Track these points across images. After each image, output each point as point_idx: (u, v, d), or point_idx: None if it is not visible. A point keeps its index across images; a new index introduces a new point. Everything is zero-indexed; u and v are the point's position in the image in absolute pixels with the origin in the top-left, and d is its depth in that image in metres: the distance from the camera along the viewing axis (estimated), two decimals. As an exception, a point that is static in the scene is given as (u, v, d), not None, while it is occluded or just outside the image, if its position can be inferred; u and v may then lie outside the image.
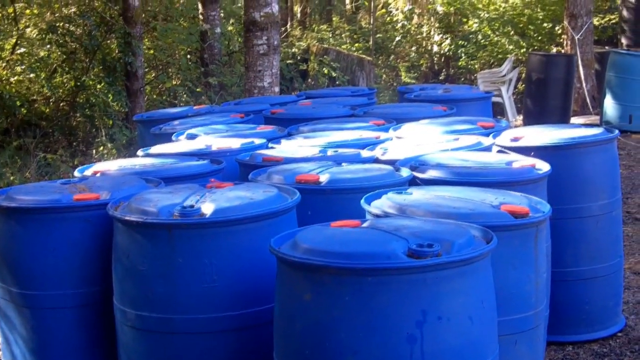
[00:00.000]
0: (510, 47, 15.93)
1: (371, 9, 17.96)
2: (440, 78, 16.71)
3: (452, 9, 17.36)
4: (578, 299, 4.52)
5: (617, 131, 4.80)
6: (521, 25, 16.57)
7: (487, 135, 4.87)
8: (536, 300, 3.28)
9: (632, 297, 5.17)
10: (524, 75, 13.36)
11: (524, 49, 15.70)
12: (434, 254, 2.69)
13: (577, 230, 4.56)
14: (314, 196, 3.63)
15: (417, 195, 3.50)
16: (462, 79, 16.33)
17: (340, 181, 3.72)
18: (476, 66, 16.19)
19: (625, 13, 15.18)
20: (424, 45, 17.69)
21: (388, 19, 18.45)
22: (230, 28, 14.91)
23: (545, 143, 4.55)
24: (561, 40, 14.53)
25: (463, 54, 16.57)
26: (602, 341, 4.59)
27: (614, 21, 16.37)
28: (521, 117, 12.38)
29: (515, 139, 4.67)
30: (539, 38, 16.31)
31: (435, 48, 17.53)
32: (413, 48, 17.54)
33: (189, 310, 3.19)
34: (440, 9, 17.51)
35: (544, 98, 11.76)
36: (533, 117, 11.47)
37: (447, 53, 17.11)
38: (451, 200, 3.38)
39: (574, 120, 11.84)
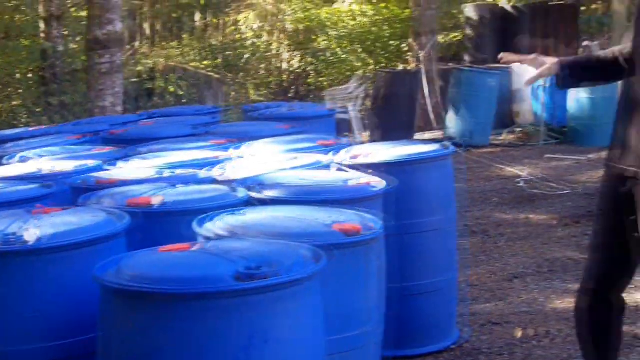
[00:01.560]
0: (358, 64, 16.19)
1: (220, 26, 17.93)
2: (290, 95, 16.82)
3: (301, 26, 17.52)
4: (414, 313, 4.59)
5: (451, 147, 4.91)
6: (369, 43, 16.88)
7: (328, 153, 4.90)
8: (368, 317, 3.30)
9: (467, 309, 5.30)
10: (371, 92, 13.59)
11: (372, 66, 15.98)
12: (262, 276, 2.66)
13: (415, 245, 4.65)
14: (145, 220, 3.54)
15: (251, 215, 3.47)
16: (312, 96, 16.48)
17: (172, 204, 3.65)
18: (325, 83, 16.38)
19: (468, 31, 15.68)
20: (273, 62, 17.78)
21: (238, 36, 18.44)
22: (74, 46, 14.58)
23: (382, 160, 4.62)
24: (407, 57, 14.88)
25: (312, 72, 16.74)
26: (436, 354, 4.67)
27: (458, 39, 16.87)
28: (368, 133, 12.56)
29: (355, 157, 4.72)
30: (386, 55, 16.65)
31: (285, 65, 17.65)
32: (262, 65, 17.61)
33: (12, 342, 3.04)
34: (289, 26, 17.64)
35: (390, 114, 11.98)
36: (379, 133, 11.65)
37: (297, 70, 17.24)
38: (285, 220, 3.37)
39: (419, 135, 12.11)
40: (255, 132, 5.70)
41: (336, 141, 5.39)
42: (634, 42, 3.55)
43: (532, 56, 3.79)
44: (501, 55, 3.85)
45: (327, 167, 4.59)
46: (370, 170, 4.39)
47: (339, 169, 4.55)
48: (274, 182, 4.05)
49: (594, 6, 21.07)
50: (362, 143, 9.91)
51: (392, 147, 4.96)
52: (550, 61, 3.74)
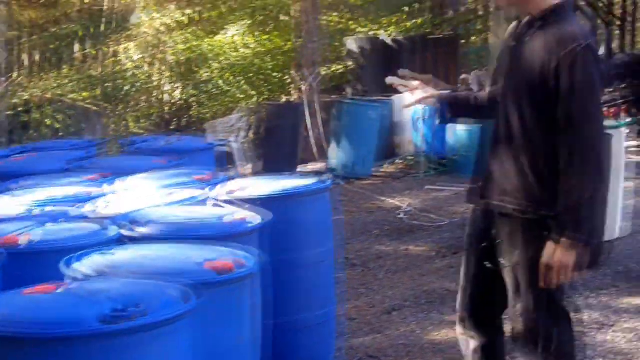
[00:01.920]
0: (241, 96, 16.17)
1: (100, 57, 17.63)
2: (172, 128, 16.63)
3: (183, 58, 17.39)
4: (292, 349, 4.56)
5: (329, 181, 4.93)
6: (251, 75, 16.90)
7: (205, 187, 4.85)
8: (242, 355, 3.26)
9: (346, 342, 5.31)
10: (254, 124, 13.58)
11: (255, 98, 15.99)
12: (128, 317, 2.60)
13: (293, 279, 4.63)
14: (12, 260, 3.43)
15: (121, 254, 3.40)
16: (194, 129, 16.33)
17: (40, 243, 3.55)
18: (208, 115, 16.29)
19: (350, 63, 15.87)
20: (154, 94, 17.57)
21: (118, 67, 18.16)
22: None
23: (259, 195, 4.59)
24: (290, 89, 14.94)
25: (195, 103, 16.64)
26: (315, 390, 4.66)
27: (341, 71, 17.04)
28: (251, 165, 12.55)
29: (232, 191, 4.68)
30: (269, 87, 16.69)
31: (167, 97, 17.47)
32: (143, 97, 17.38)
33: None
34: (170, 57, 17.48)
35: (274, 146, 12.01)
36: (262, 166, 11.67)
37: (179, 102, 17.11)
38: (156, 259, 3.31)
39: (302, 168, 12.14)
40: (131, 167, 5.59)
41: (214, 175, 5.34)
42: (496, 81, 3.66)
43: (417, 83, 3.87)
44: (388, 79, 3.92)
45: (203, 202, 4.54)
46: (247, 205, 4.36)
47: (216, 204, 4.50)
48: (147, 218, 3.98)
49: (473, 38, 21.67)
50: (244, 176, 9.90)
51: (271, 180, 4.95)
52: (432, 92, 3.83)
